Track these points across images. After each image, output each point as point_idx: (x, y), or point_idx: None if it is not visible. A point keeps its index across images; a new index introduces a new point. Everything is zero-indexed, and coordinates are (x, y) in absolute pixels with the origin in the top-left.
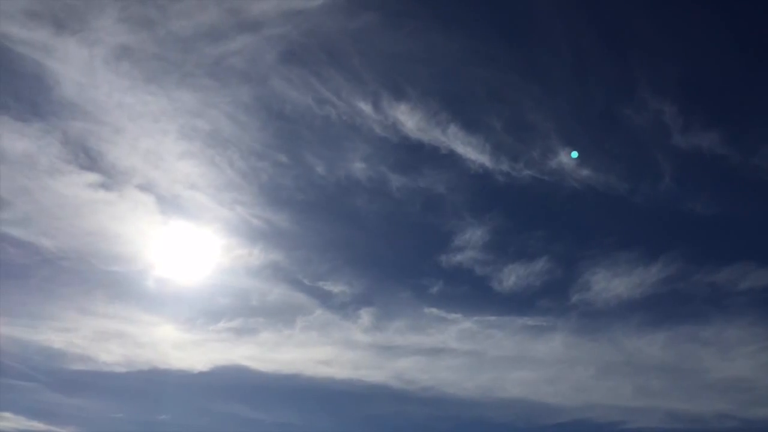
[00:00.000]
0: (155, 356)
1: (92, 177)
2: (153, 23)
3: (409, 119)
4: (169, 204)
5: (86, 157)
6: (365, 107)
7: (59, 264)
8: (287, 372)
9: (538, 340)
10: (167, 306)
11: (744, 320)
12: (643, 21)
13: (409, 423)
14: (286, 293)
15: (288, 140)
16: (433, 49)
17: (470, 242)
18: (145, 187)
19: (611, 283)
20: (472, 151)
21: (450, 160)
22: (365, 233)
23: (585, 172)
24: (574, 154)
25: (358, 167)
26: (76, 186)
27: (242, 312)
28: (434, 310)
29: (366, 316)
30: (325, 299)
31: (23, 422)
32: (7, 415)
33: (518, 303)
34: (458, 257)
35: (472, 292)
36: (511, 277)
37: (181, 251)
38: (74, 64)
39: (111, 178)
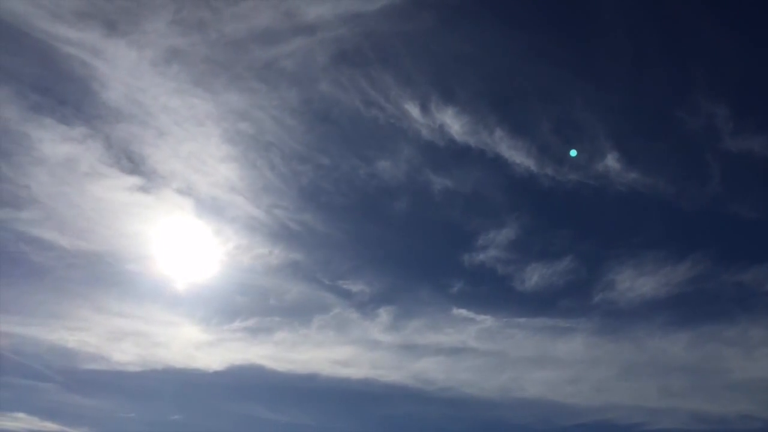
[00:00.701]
0: (170, 355)
1: (132, 180)
2: (206, 26)
3: (456, 122)
4: (206, 207)
5: (128, 160)
6: (413, 110)
7: (78, 264)
8: (304, 372)
9: (559, 340)
10: (184, 305)
11: None
12: (701, 23)
13: (426, 424)
14: (304, 292)
15: (332, 143)
16: (486, 50)
17: (494, 241)
18: (184, 191)
19: (636, 282)
20: (517, 154)
21: (495, 163)
22: (390, 233)
23: (632, 175)
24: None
25: (400, 170)
26: (114, 189)
27: (259, 311)
28: (456, 310)
29: (385, 315)
30: (344, 298)
31: (36, 423)
32: (20, 415)
33: (540, 302)
34: (481, 256)
35: (494, 292)
36: (534, 276)
37: (204, 252)
38: (122, 67)
39: (151, 181)
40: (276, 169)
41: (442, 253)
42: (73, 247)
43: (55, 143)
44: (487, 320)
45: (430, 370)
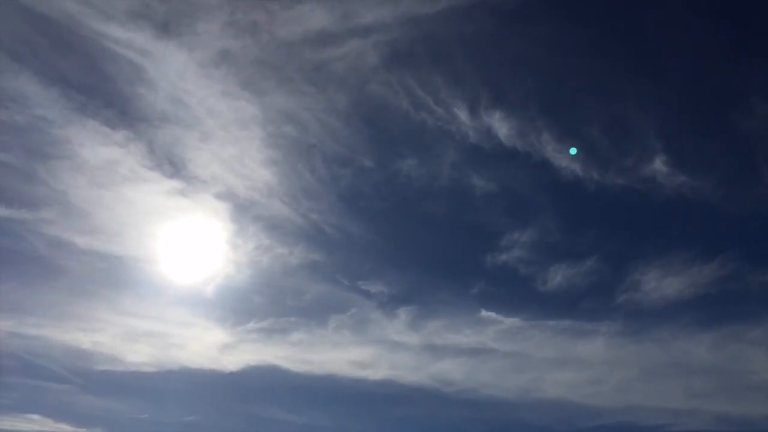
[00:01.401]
0: (186, 356)
1: (171, 184)
2: (259, 28)
3: (503, 125)
4: (243, 212)
5: (169, 164)
6: (461, 113)
7: (96, 265)
8: (321, 373)
9: (581, 340)
10: (200, 306)
11: None
12: (759, 23)
13: (445, 426)
14: (322, 293)
15: (376, 145)
16: (539, 53)
17: (519, 242)
18: (222, 195)
19: (662, 282)
20: (563, 157)
21: (540, 166)
22: (416, 235)
23: (680, 178)
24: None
25: (443, 173)
26: (152, 193)
27: (276, 311)
28: (477, 311)
29: (404, 315)
30: (363, 299)
31: (50, 424)
32: (34, 417)
33: (562, 303)
34: (504, 257)
35: (516, 292)
36: (557, 276)
37: (225, 253)
38: (170, 69)
39: (190, 185)
40: (316, 173)
41: (466, 253)
42: (89, 248)
43: (95, 147)
44: (508, 321)
45: (449, 371)
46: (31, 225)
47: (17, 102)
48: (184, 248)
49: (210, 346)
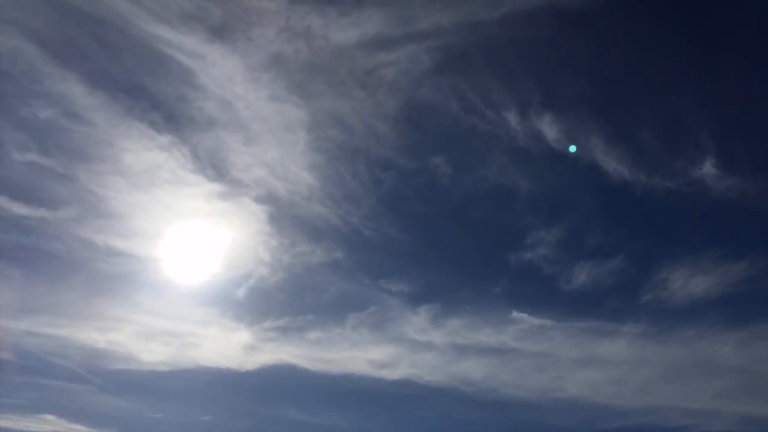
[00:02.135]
0: (202, 355)
1: (212, 188)
2: (313, 33)
3: (552, 128)
4: (282, 215)
5: (212, 168)
6: (511, 116)
7: (114, 264)
8: (338, 372)
9: (604, 340)
10: (216, 305)
11: None
12: None
13: (464, 427)
14: (342, 291)
15: (421, 150)
16: (595, 56)
17: (544, 241)
18: (262, 199)
19: (690, 281)
20: (610, 161)
21: (587, 171)
22: (444, 234)
23: (730, 181)
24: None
25: (487, 176)
26: (191, 197)
27: (294, 310)
28: (503, 310)
29: (424, 314)
30: (383, 298)
31: (64, 425)
32: (49, 417)
33: (586, 302)
34: (529, 255)
35: (539, 291)
36: (582, 275)
37: (245, 252)
38: (219, 73)
39: (231, 188)
40: (358, 176)
41: (491, 252)
42: (118, 249)
43: (138, 152)
44: (530, 320)
45: (469, 371)
46: (65, 227)
47: (63, 105)
48: (211, 250)
49: (227, 345)
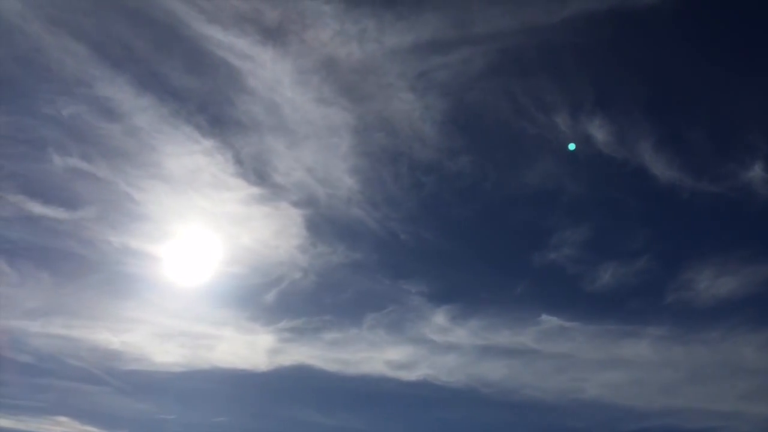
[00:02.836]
0: (216, 355)
1: (252, 192)
2: (367, 36)
3: (601, 132)
4: (318, 219)
5: (253, 172)
6: (562, 120)
7: (130, 264)
8: (355, 373)
9: (626, 341)
10: (231, 304)
11: None
12: None
13: (483, 429)
14: (361, 291)
15: (466, 153)
16: (649, 62)
17: (567, 241)
18: (300, 203)
19: (717, 281)
20: (660, 166)
21: (636, 175)
22: (470, 236)
23: None
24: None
25: (532, 179)
26: (229, 201)
27: (311, 310)
28: (524, 311)
29: (443, 314)
30: (402, 298)
31: (78, 427)
32: (63, 419)
33: (609, 302)
34: (553, 255)
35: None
36: (606, 275)
37: (265, 251)
38: (268, 76)
39: (271, 192)
40: (399, 180)
41: (515, 252)
42: (134, 250)
43: (181, 157)
44: (552, 321)
45: (489, 372)
46: (96, 229)
47: (108, 109)
48: (239, 252)
49: (242, 346)
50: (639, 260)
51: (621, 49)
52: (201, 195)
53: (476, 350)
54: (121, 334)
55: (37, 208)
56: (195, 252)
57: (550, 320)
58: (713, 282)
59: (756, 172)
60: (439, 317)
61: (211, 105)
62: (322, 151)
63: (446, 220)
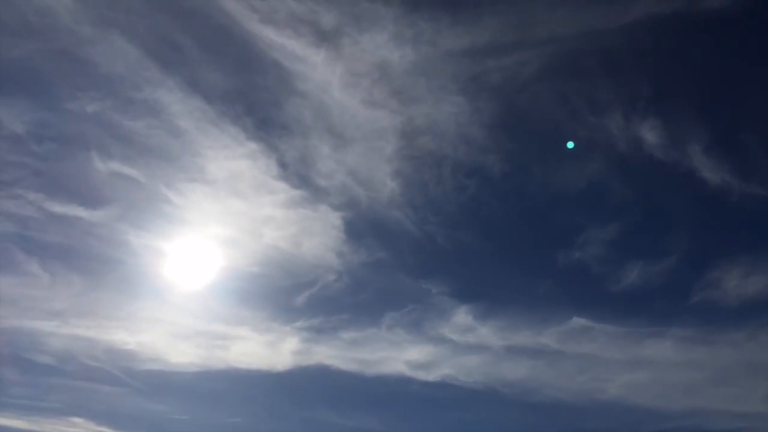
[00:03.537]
0: (232, 356)
1: (292, 195)
2: (422, 39)
3: (652, 135)
4: (358, 222)
5: (296, 175)
6: (613, 123)
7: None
8: (372, 373)
9: (650, 341)
10: (248, 303)
11: None
12: None
13: (502, 430)
14: (381, 291)
15: (513, 156)
16: (704, 67)
17: (596, 240)
18: (340, 206)
19: (745, 280)
20: (709, 170)
21: (682, 177)
22: (499, 236)
23: None
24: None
25: (577, 182)
26: (268, 205)
27: (329, 309)
28: (542, 311)
29: (464, 314)
30: (423, 297)
31: (92, 427)
32: (77, 420)
33: (634, 302)
34: (577, 254)
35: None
36: (632, 275)
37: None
38: (319, 78)
39: (312, 195)
40: (442, 184)
41: (539, 252)
42: (156, 249)
43: (224, 160)
44: (574, 321)
45: (510, 373)
46: (131, 232)
47: (155, 112)
48: (269, 255)
49: (258, 346)
50: (667, 259)
51: (679, 52)
52: (240, 198)
53: (497, 350)
54: (138, 334)
55: (72, 210)
56: (225, 254)
57: (573, 321)
58: (742, 281)
59: None
60: (460, 317)
61: (258, 107)
62: (367, 154)
63: (483, 222)
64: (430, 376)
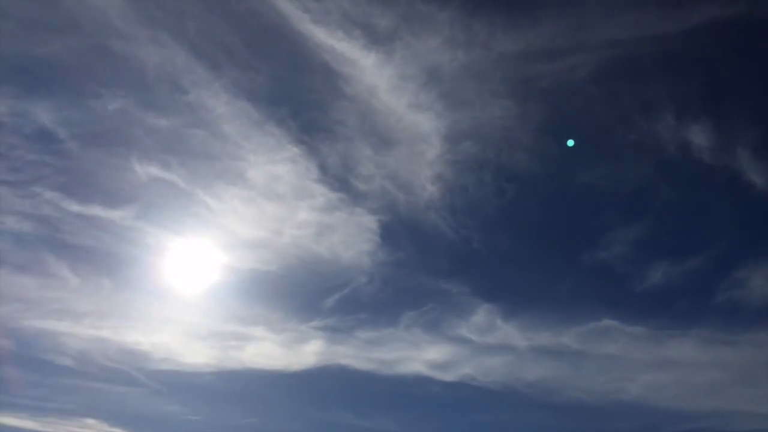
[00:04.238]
0: (247, 356)
1: (329, 198)
2: (476, 43)
3: (702, 139)
4: (394, 227)
5: (336, 179)
6: (663, 126)
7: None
8: (390, 373)
9: (673, 341)
10: (263, 303)
11: None
12: None
13: (522, 430)
14: (400, 291)
15: (556, 160)
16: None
17: (622, 241)
18: (378, 210)
19: None
20: (756, 173)
21: (731, 182)
22: (531, 238)
23: None
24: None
25: (618, 185)
26: (305, 209)
27: (346, 309)
28: (565, 311)
29: (483, 314)
30: (442, 297)
31: (106, 428)
32: (90, 421)
33: (657, 302)
34: (604, 254)
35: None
36: (657, 274)
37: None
38: (368, 80)
39: (351, 199)
40: (481, 189)
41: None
42: (190, 253)
43: (265, 165)
44: (601, 322)
45: (530, 373)
46: (164, 236)
47: (199, 117)
48: (294, 257)
49: (274, 346)
50: (693, 259)
51: (734, 57)
52: (276, 202)
53: (518, 350)
54: (152, 335)
55: (104, 213)
56: (251, 256)
57: (597, 321)
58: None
59: None
60: (481, 316)
61: (303, 110)
62: (408, 157)
63: (518, 224)
64: (449, 376)
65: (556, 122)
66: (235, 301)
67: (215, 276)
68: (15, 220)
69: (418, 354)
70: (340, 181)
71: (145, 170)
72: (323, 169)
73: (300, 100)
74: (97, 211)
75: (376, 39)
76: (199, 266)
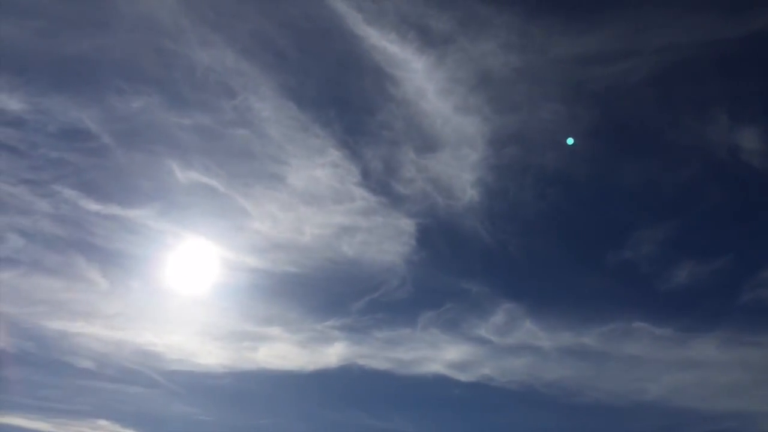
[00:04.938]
0: (262, 357)
1: (368, 202)
2: (530, 47)
3: (752, 143)
4: (431, 231)
5: (377, 182)
6: (712, 130)
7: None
8: (407, 373)
9: (696, 341)
10: (278, 302)
11: None
12: None
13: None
14: (418, 290)
15: (604, 163)
16: None
17: (647, 240)
18: (416, 214)
19: None
20: None
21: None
22: (558, 239)
23: None
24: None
25: (664, 190)
26: (343, 213)
27: (362, 308)
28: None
29: (502, 313)
30: (460, 297)
31: (118, 430)
32: (103, 423)
33: (681, 302)
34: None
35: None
36: (682, 274)
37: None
38: (419, 83)
39: (390, 203)
40: (523, 192)
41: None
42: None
43: (307, 169)
44: (619, 321)
45: (550, 373)
46: (198, 241)
47: (245, 120)
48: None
49: (288, 346)
50: (719, 259)
51: None
52: (314, 206)
53: (538, 350)
54: (166, 337)
55: (124, 212)
56: (281, 258)
57: (620, 321)
58: None
59: None
60: (500, 316)
61: (350, 112)
62: (451, 161)
63: (554, 228)
64: (468, 376)
65: (605, 125)
66: (262, 304)
67: (244, 279)
68: (47, 223)
69: (437, 354)
70: (381, 184)
71: (184, 173)
72: (365, 172)
73: (347, 103)
74: (118, 210)
75: (430, 41)
76: (226, 269)
